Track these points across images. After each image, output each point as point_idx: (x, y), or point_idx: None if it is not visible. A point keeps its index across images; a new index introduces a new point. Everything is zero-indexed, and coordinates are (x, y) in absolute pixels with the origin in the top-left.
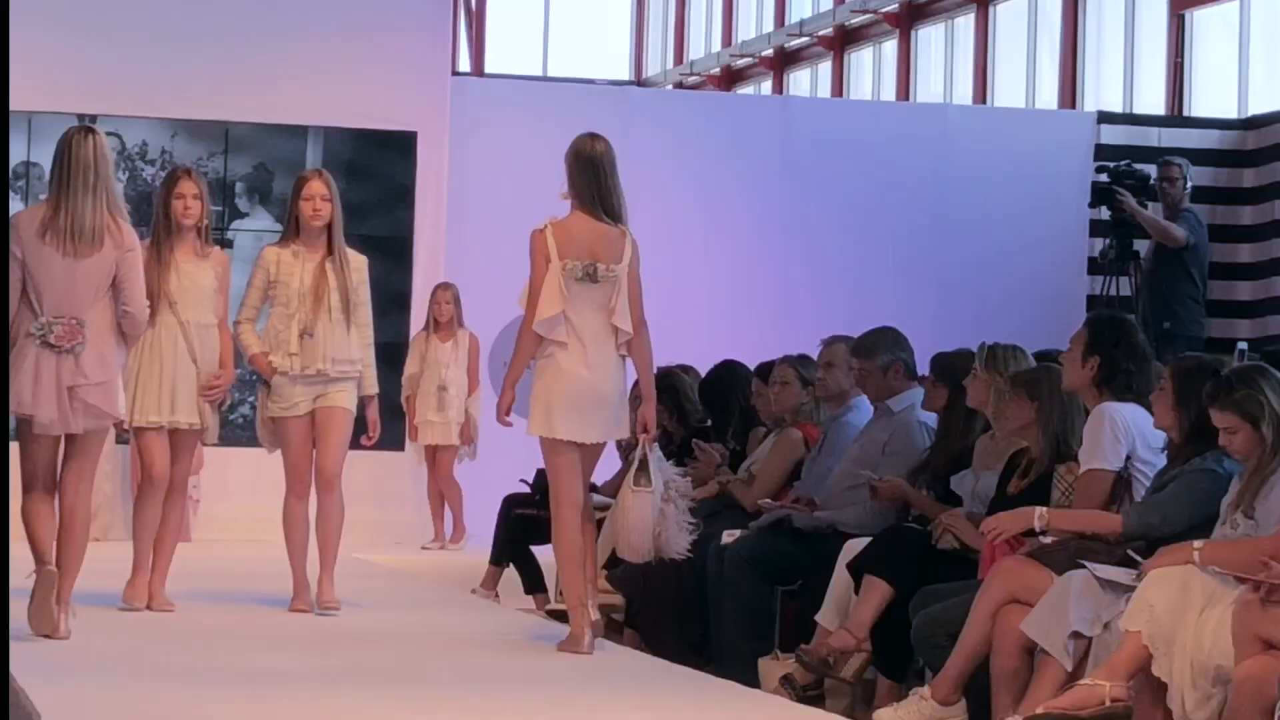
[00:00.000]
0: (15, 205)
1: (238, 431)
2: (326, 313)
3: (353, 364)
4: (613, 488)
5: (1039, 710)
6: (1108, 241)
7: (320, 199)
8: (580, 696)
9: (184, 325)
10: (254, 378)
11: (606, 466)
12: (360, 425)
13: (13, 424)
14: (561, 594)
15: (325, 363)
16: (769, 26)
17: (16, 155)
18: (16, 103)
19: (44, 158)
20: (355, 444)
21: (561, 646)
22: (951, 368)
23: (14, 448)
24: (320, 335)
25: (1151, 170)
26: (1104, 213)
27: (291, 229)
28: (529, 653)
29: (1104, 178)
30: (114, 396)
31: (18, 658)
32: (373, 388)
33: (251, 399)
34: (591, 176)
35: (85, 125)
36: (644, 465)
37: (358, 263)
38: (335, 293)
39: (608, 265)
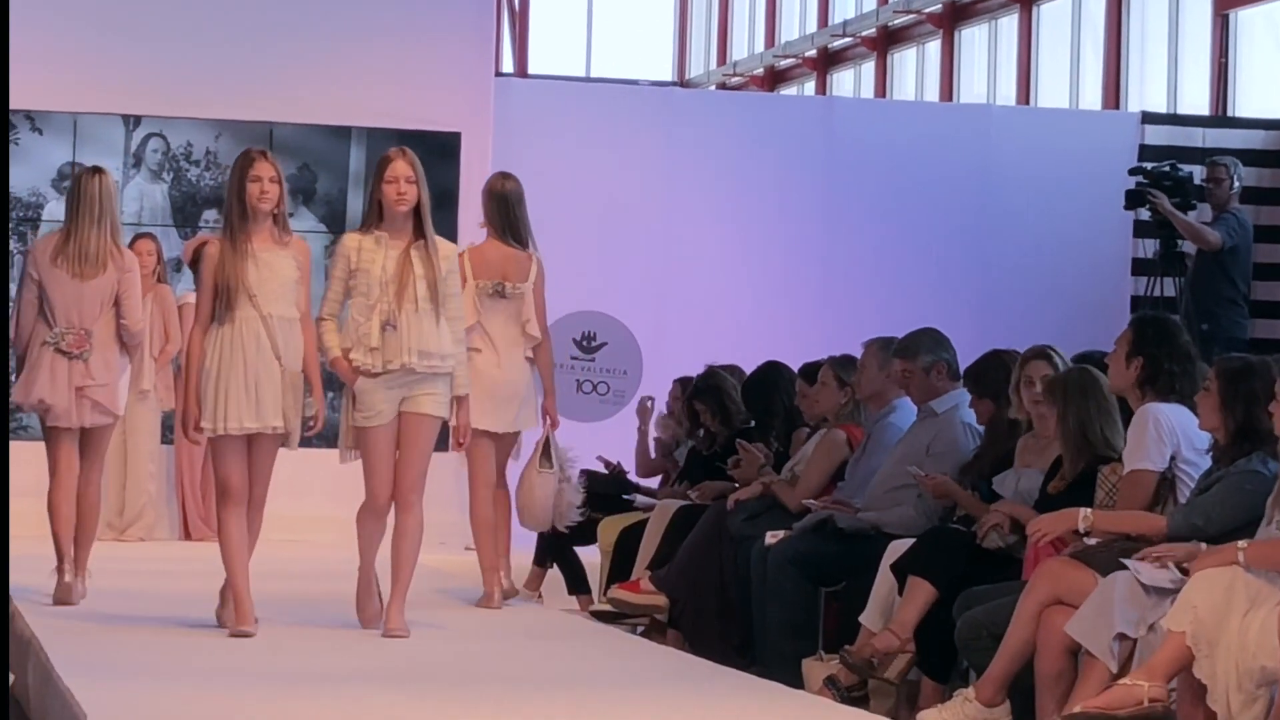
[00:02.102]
0: (60, 207)
1: None
2: (412, 303)
3: (443, 359)
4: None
5: (1075, 709)
6: (1160, 242)
7: (405, 181)
8: (624, 697)
9: (266, 319)
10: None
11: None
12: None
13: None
14: (606, 593)
15: (410, 357)
16: (812, 27)
17: (62, 156)
18: (63, 104)
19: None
20: (444, 448)
21: (479, 603)
22: (983, 377)
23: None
24: (405, 327)
25: (1195, 170)
26: (1145, 214)
27: (374, 214)
28: (573, 653)
29: (1140, 179)
30: (116, 396)
31: (65, 659)
32: (464, 387)
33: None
34: (502, 210)
35: (94, 166)
36: (547, 451)
37: (447, 250)
38: (422, 281)
39: (514, 284)
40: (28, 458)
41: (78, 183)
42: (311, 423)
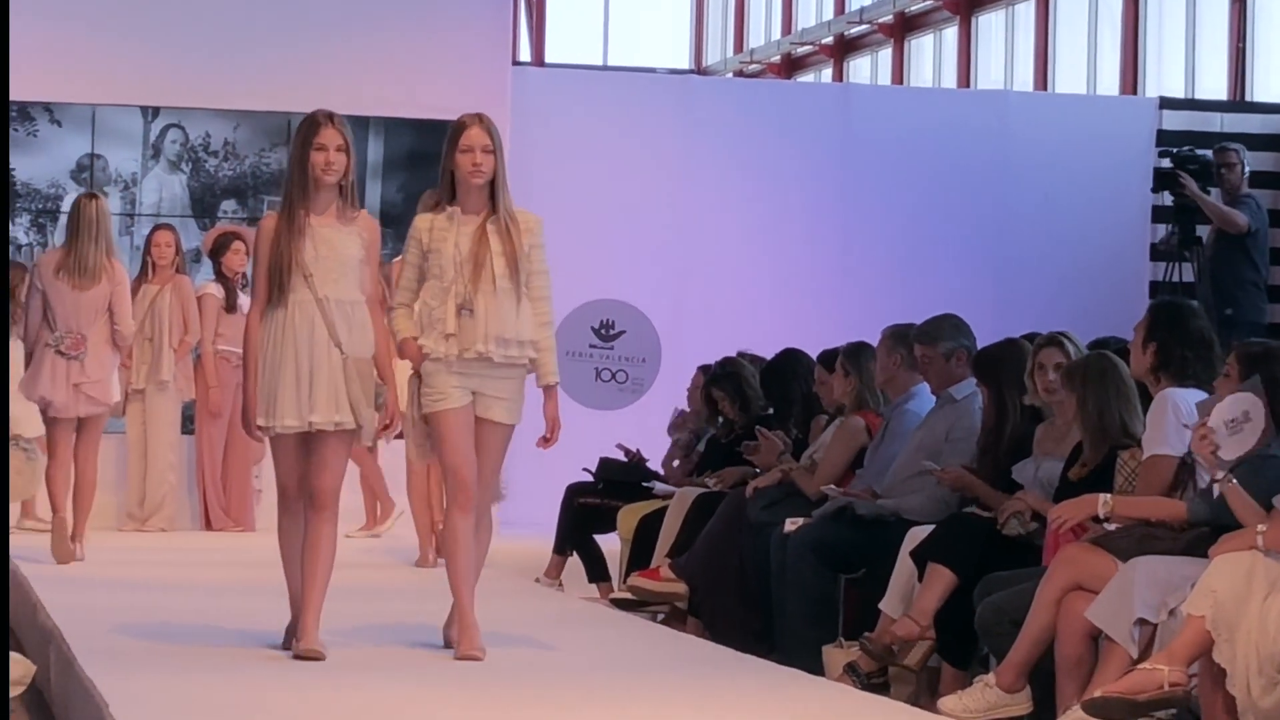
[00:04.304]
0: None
1: None
2: (490, 283)
3: (523, 347)
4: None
5: (1096, 694)
6: (1170, 228)
7: (482, 151)
8: (644, 684)
9: (322, 302)
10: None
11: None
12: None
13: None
14: (626, 581)
15: (488, 344)
16: (829, 14)
17: (81, 148)
18: (82, 96)
19: (108, 150)
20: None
21: (416, 564)
22: (988, 364)
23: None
24: (482, 310)
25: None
26: (1166, 198)
27: (446, 189)
28: (593, 641)
29: (1166, 162)
30: (109, 390)
31: (86, 649)
32: (553, 375)
33: None
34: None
35: (90, 191)
36: None
37: (529, 223)
38: (501, 259)
39: None
40: None
41: (77, 207)
42: (386, 420)
